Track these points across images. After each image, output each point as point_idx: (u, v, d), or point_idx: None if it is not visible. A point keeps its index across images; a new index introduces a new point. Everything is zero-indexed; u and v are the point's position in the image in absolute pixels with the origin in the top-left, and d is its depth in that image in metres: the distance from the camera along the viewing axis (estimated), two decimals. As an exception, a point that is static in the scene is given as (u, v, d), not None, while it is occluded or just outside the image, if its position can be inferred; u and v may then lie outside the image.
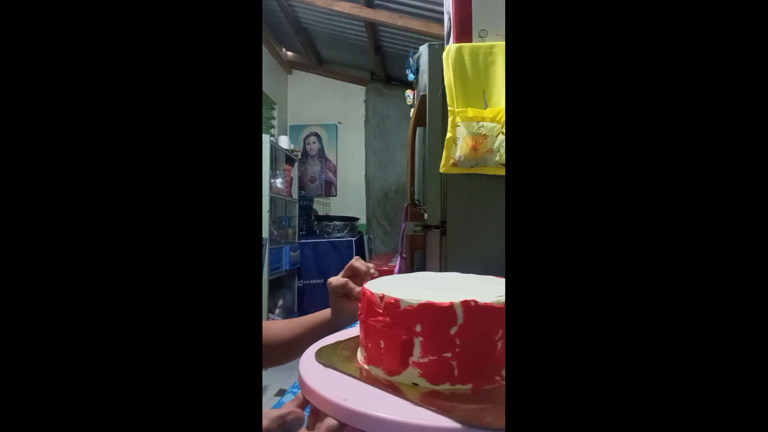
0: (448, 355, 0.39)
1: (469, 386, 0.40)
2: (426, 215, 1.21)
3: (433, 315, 0.39)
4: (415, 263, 1.28)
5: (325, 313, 0.63)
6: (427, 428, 0.33)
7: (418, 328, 0.40)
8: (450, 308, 0.39)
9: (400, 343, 0.41)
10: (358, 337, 0.53)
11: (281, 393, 2.52)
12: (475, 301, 0.39)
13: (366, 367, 0.44)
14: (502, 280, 0.51)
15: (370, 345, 0.44)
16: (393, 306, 0.41)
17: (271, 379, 2.82)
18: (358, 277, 0.60)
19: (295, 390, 0.68)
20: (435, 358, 0.40)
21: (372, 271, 0.62)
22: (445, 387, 0.40)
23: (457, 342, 0.39)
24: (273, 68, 4.03)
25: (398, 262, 1.48)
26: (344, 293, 0.60)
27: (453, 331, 0.39)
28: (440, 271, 1.11)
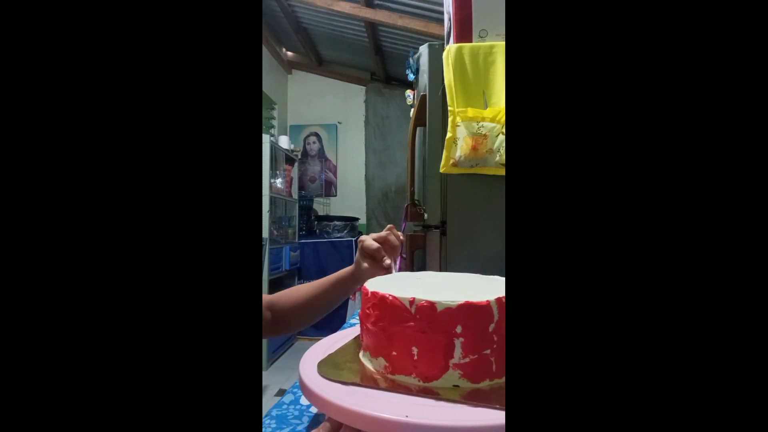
0: (488, 352, 0.40)
1: (503, 379, 0.40)
2: (426, 215, 1.21)
3: (473, 314, 0.40)
4: (415, 263, 1.28)
5: (347, 269, 0.69)
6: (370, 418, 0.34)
7: (458, 329, 0.40)
8: (487, 306, 0.40)
9: (441, 347, 0.40)
10: (352, 347, 0.52)
11: (281, 393, 2.52)
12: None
13: (390, 377, 0.43)
14: (502, 279, 0.51)
15: (395, 353, 0.42)
16: (428, 309, 0.40)
17: (271, 379, 2.83)
18: (387, 246, 0.67)
19: (296, 390, 0.68)
20: (476, 357, 0.40)
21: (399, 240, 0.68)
22: (485, 384, 0.40)
23: (495, 338, 0.40)
24: (273, 68, 4.03)
25: (398, 262, 1.48)
26: (372, 255, 0.66)
27: (491, 328, 0.40)
28: (440, 270, 1.11)
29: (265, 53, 3.79)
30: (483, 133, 1.06)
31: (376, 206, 4.18)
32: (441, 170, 1.11)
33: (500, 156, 1.06)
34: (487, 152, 1.06)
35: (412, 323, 0.41)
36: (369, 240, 0.67)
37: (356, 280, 0.68)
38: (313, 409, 0.63)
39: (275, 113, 3.94)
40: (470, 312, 0.39)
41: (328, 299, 0.68)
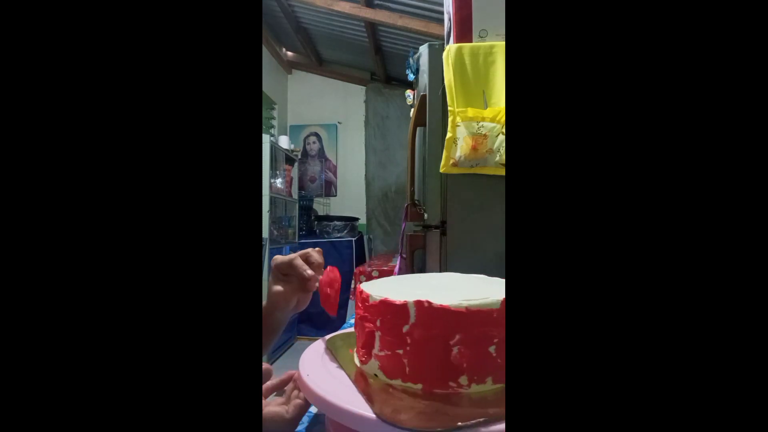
0: (400, 352, 0.41)
1: (419, 386, 0.40)
2: (426, 215, 1.21)
3: (389, 311, 0.41)
4: (415, 263, 1.28)
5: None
6: (353, 414, 0.36)
7: (378, 323, 0.42)
8: (403, 306, 0.40)
9: (365, 335, 0.43)
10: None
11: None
12: (429, 302, 0.39)
13: (354, 353, 0.48)
14: (499, 280, 0.51)
15: (357, 334, 0.48)
16: (365, 300, 0.44)
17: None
18: (312, 266, 0.59)
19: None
20: (390, 353, 0.41)
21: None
22: (397, 382, 0.41)
23: (408, 340, 0.40)
24: (273, 68, 4.03)
25: (398, 262, 1.48)
26: (288, 272, 0.57)
27: (405, 329, 0.40)
28: (440, 271, 1.11)
29: (265, 53, 3.79)
30: (483, 133, 1.06)
31: (376, 206, 4.18)
32: (441, 170, 1.11)
33: (500, 156, 1.06)
34: (487, 152, 1.06)
35: (359, 311, 0.45)
36: (281, 256, 0.57)
37: (269, 314, 0.56)
38: (313, 409, 0.63)
39: (275, 113, 3.94)
40: (386, 309, 0.41)
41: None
